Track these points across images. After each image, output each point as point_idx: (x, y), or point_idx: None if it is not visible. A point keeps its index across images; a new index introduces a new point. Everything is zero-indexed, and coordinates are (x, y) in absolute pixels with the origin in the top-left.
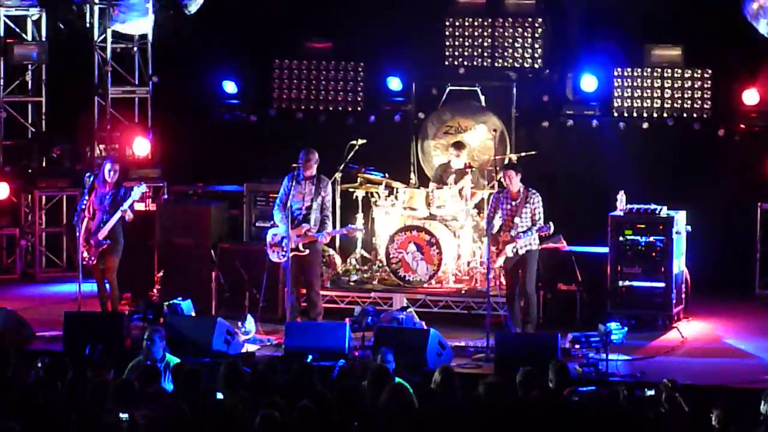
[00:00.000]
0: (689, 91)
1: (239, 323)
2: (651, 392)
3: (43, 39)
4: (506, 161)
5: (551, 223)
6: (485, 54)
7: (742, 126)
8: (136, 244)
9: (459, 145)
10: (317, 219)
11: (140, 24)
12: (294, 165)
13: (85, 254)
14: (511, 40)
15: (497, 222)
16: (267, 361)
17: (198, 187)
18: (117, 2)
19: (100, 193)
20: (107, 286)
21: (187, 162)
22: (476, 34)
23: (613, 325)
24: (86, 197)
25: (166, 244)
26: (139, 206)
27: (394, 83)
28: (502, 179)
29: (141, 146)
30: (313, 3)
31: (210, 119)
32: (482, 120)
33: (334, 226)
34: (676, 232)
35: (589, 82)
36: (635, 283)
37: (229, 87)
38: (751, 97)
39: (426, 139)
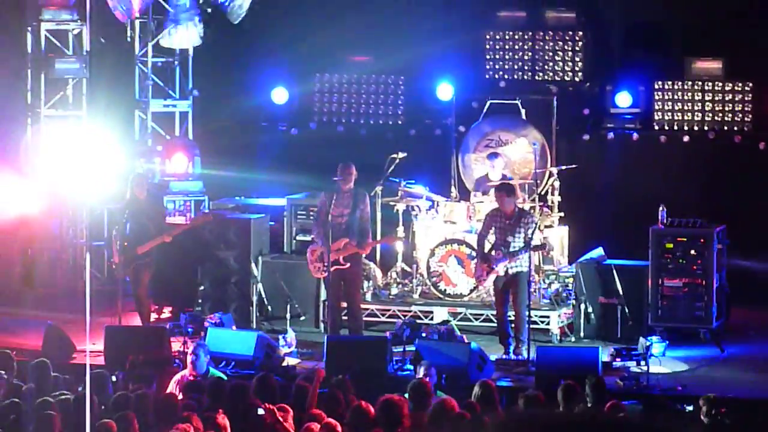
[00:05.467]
0: (730, 104)
1: (280, 337)
2: (690, 408)
3: (84, 53)
4: (547, 175)
5: (549, 243)
6: (525, 67)
7: None
8: (178, 258)
9: (493, 156)
10: (357, 231)
11: (187, 37)
12: (335, 179)
13: (121, 268)
14: (551, 54)
15: (490, 241)
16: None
17: (239, 200)
18: (164, 17)
19: (136, 207)
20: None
21: (228, 175)
22: (516, 47)
23: (653, 338)
24: (128, 210)
25: (207, 257)
26: (180, 220)
27: (440, 94)
28: (496, 200)
29: (179, 162)
30: (355, 17)
31: (250, 133)
32: (523, 133)
33: (374, 238)
34: (717, 246)
35: (623, 99)
36: (676, 296)
37: (279, 96)
38: None
39: (467, 152)
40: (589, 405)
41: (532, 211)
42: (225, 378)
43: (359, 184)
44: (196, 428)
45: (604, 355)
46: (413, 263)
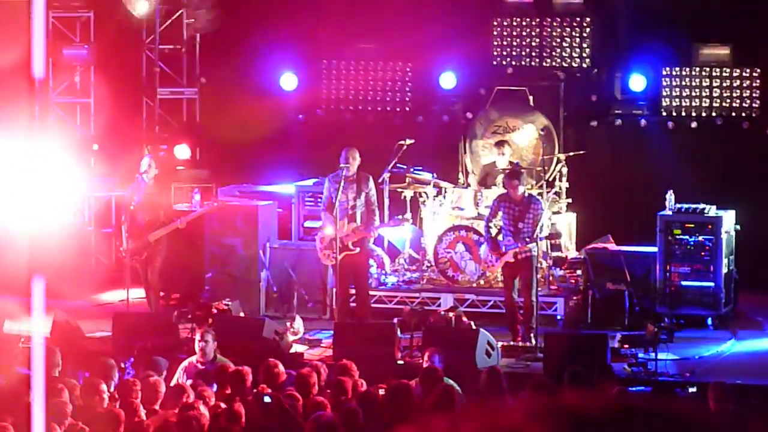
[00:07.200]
0: (738, 90)
1: (288, 324)
2: (693, 389)
3: (92, 40)
4: (554, 161)
5: (557, 229)
6: (533, 54)
7: None
8: (185, 245)
9: (500, 144)
10: (363, 215)
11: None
12: (342, 166)
13: (130, 256)
14: (559, 40)
15: (496, 225)
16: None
17: (246, 187)
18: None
19: (143, 191)
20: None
21: (236, 162)
22: (524, 33)
23: (662, 324)
24: (135, 197)
25: (214, 244)
26: (185, 207)
27: (447, 80)
28: (505, 186)
29: (186, 150)
30: (361, 3)
31: (258, 119)
32: (530, 120)
33: (381, 221)
34: (725, 232)
35: (637, 82)
36: (684, 283)
37: (288, 83)
38: None
39: (474, 139)
40: (598, 389)
41: (540, 197)
42: (232, 365)
43: (368, 170)
44: (203, 415)
45: (612, 342)
46: (421, 250)
